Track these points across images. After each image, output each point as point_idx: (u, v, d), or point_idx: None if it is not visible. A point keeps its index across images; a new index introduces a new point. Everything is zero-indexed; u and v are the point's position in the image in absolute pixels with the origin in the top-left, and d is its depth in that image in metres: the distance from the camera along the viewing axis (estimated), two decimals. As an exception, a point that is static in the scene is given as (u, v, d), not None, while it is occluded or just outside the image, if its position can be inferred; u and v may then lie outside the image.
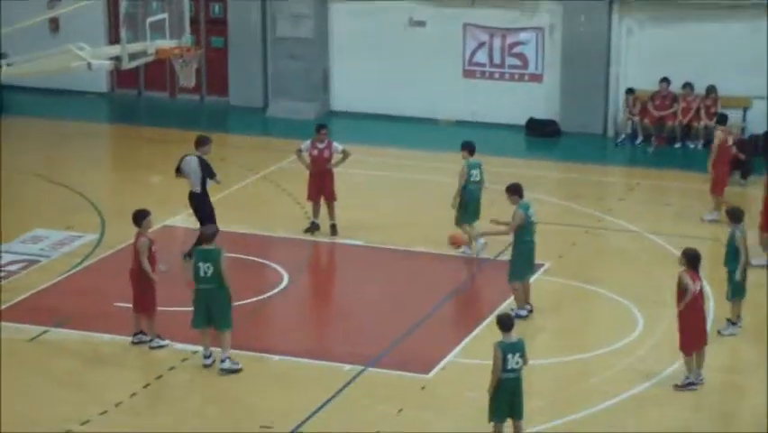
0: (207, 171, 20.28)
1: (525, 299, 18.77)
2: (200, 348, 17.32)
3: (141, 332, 17.82)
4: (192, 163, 20.29)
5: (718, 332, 18.12)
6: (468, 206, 20.97)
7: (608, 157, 27.44)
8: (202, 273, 16.85)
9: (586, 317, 19.18)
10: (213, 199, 23.32)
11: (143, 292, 17.63)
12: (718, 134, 22.82)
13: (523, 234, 18.50)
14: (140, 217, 17.76)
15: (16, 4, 29.89)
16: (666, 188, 23.64)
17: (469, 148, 21.19)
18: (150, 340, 17.77)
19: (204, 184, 20.26)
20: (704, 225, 22.40)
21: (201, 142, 20.55)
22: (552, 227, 22.30)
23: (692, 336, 16.52)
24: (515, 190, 18.59)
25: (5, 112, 30.15)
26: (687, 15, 27.36)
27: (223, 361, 17.02)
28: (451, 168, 25.23)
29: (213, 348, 17.13)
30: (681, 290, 16.41)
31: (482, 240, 20.86)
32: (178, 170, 20.54)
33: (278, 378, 17.02)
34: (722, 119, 23.52)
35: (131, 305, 17.87)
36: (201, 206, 20.34)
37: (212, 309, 16.93)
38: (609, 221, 22.97)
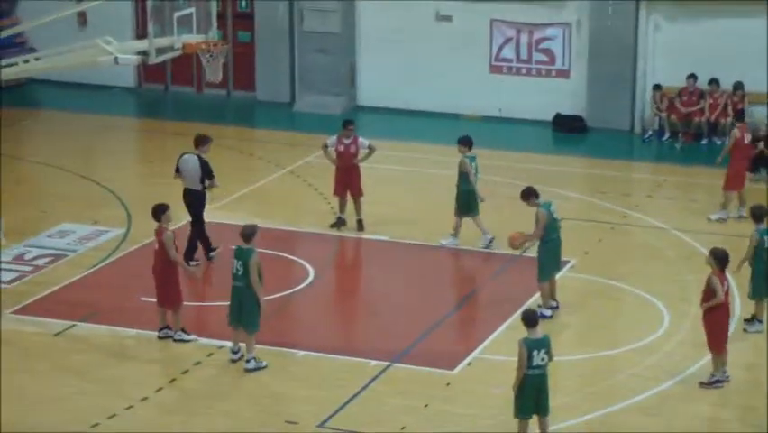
0: (206, 171, 20.17)
1: (551, 296, 18.73)
2: (228, 343, 17.36)
3: (167, 327, 17.87)
4: (191, 162, 20.19)
5: (744, 330, 18.05)
6: (473, 198, 20.99)
7: (634, 153, 27.36)
8: (235, 270, 16.93)
9: (612, 314, 19.14)
10: (240, 194, 23.50)
11: (168, 286, 17.67)
12: (734, 132, 22.67)
13: (548, 232, 18.47)
14: (159, 211, 17.78)
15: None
16: (693, 184, 23.56)
17: (468, 143, 21.17)
18: (167, 336, 17.80)
19: (203, 183, 20.19)
20: (731, 222, 22.27)
21: (201, 141, 20.44)
22: (578, 223, 22.27)
23: (720, 335, 16.47)
24: (529, 194, 18.56)
25: (33, 105, 30.29)
26: (714, 11, 27.22)
27: (248, 361, 17.05)
28: (478, 163, 25.26)
29: (241, 345, 17.16)
30: (710, 292, 16.34)
31: (489, 235, 20.85)
32: (178, 170, 20.36)
33: (304, 373, 17.04)
34: (740, 116, 23.38)
35: (153, 299, 17.93)
36: (196, 201, 20.26)
37: (241, 308, 16.97)
38: (636, 217, 22.90)
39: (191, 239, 20.25)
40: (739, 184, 22.51)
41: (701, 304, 16.47)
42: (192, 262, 19.81)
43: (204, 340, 17.82)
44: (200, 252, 20.36)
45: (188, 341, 17.75)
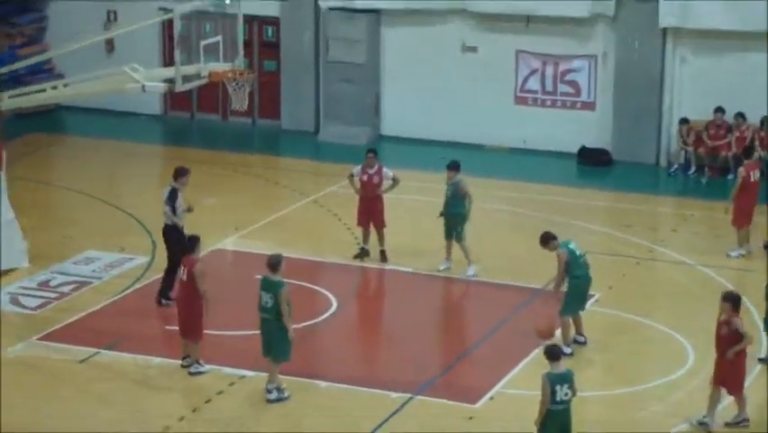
0: (169, 199, 19.70)
1: (577, 331, 18.67)
2: (248, 372, 17.35)
3: (189, 356, 17.86)
4: (164, 194, 19.88)
5: (759, 360, 17.91)
6: (465, 223, 21.18)
7: (660, 187, 27.28)
8: (263, 303, 16.87)
9: (636, 350, 19.04)
10: (264, 222, 23.50)
11: (192, 318, 17.64)
12: (740, 170, 22.54)
13: (573, 270, 18.41)
14: (192, 242, 17.79)
15: (73, 25, 30.18)
16: (719, 219, 23.43)
17: (457, 167, 21.19)
18: (189, 365, 17.79)
19: (173, 216, 19.71)
20: (758, 257, 22.19)
21: (178, 174, 19.95)
22: (602, 257, 22.18)
23: (743, 376, 16.33)
24: (547, 239, 18.54)
25: (61, 131, 30.43)
26: (740, 45, 27.18)
27: (269, 391, 17.03)
28: (502, 195, 25.32)
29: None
30: (735, 336, 16.07)
31: (474, 269, 21.11)
32: None
33: (326, 404, 17.02)
34: (747, 153, 23.30)
35: (173, 327, 17.95)
36: (166, 240, 19.85)
37: (268, 339, 16.94)
38: (661, 252, 22.82)
39: (165, 276, 19.79)
40: (746, 221, 22.42)
41: (725, 349, 16.13)
42: (164, 301, 19.67)
43: (226, 369, 17.81)
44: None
45: (204, 372, 17.73)
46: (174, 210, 19.68)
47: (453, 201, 21.25)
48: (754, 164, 22.85)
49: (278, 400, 16.94)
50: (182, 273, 17.72)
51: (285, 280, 16.91)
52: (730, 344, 16.12)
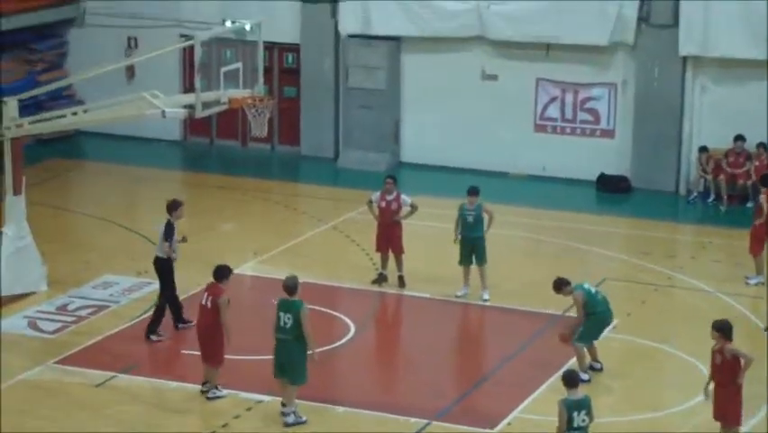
0: (166, 234, 19.57)
1: (593, 358, 18.61)
2: (266, 397, 17.32)
3: (217, 386, 17.84)
4: (161, 229, 19.72)
5: None
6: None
7: (679, 215, 27.22)
8: (281, 324, 16.85)
9: (654, 376, 18.97)
10: (283, 248, 23.52)
11: (214, 344, 17.60)
12: (762, 198, 22.44)
13: (592, 308, 18.39)
14: (223, 272, 17.75)
15: (93, 51, 30.34)
16: (738, 247, 23.35)
17: (478, 192, 21.42)
18: (208, 391, 17.76)
19: (168, 249, 19.60)
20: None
21: (173, 206, 19.78)
22: (621, 284, 22.15)
23: (740, 405, 15.93)
24: (560, 285, 18.48)
25: (80, 156, 30.54)
26: (761, 73, 27.13)
27: (287, 415, 17.01)
28: (522, 222, 25.31)
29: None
30: (734, 361, 15.68)
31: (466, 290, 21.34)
32: None
33: (343, 429, 16.98)
34: (765, 180, 23.19)
35: (197, 352, 17.89)
36: (161, 268, 19.70)
37: (285, 361, 16.91)
38: (680, 279, 22.75)
39: (157, 310, 19.74)
40: (760, 248, 22.35)
41: (717, 378, 15.79)
42: (153, 337, 19.55)
43: (243, 394, 17.80)
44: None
45: (222, 397, 17.71)
46: (171, 244, 19.59)
47: (477, 225, 21.23)
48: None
49: (296, 423, 16.90)
50: (206, 300, 17.64)
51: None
52: (726, 371, 15.72)
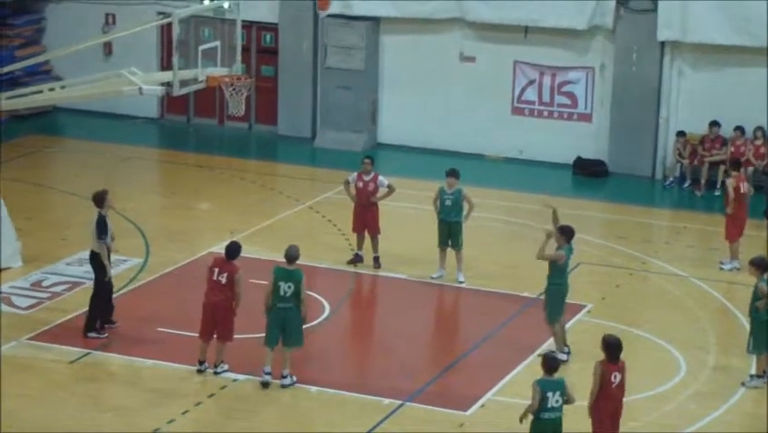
0: (99, 230, 18.84)
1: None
2: (240, 376, 17.33)
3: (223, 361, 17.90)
4: (93, 222, 19.02)
5: (742, 384, 17.89)
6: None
7: (655, 199, 27.31)
8: (282, 292, 17.14)
9: (628, 361, 18.82)
10: (259, 227, 23.49)
11: (229, 321, 17.68)
12: (729, 181, 22.62)
13: (556, 277, 18.41)
14: (236, 249, 17.77)
15: (71, 27, 30.21)
16: (713, 232, 23.47)
17: (458, 174, 21.37)
18: (216, 366, 17.80)
19: (99, 242, 18.86)
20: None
21: (101, 199, 19.10)
22: (596, 268, 22.23)
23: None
24: (567, 233, 18.47)
25: (57, 133, 30.42)
26: (739, 59, 27.22)
27: (284, 377, 17.34)
28: (498, 204, 25.34)
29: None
30: (597, 382, 15.03)
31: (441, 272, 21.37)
32: None
33: (317, 410, 17.01)
34: (735, 165, 23.28)
35: (170, 330, 18.02)
36: (95, 266, 18.93)
37: (286, 327, 17.20)
38: (654, 264, 22.83)
39: (92, 308, 19.03)
40: (738, 233, 22.44)
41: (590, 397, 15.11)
42: (91, 333, 18.87)
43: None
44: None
45: (227, 371, 17.81)
46: (103, 238, 18.86)
47: (455, 209, 21.24)
48: (742, 176, 22.88)
49: (293, 384, 17.35)
50: (219, 276, 17.58)
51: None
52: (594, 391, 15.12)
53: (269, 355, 17.39)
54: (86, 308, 19.09)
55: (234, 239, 18.22)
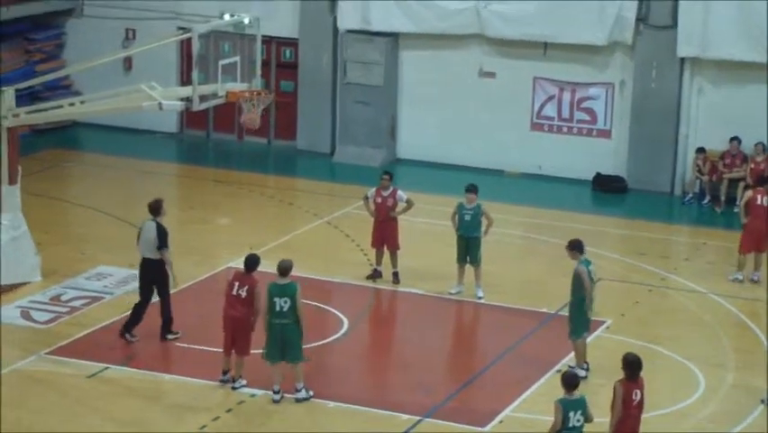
0: (162, 240, 19.07)
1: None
2: (258, 391, 17.31)
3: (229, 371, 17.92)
4: (150, 231, 19.19)
5: (762, 401, 17.79)
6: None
7: (674, 215, 27.24)
8: (278, 308, 17.00)
9: (647, 377, 18.87)
10: (278, 243, 23.52)
11: (248, 335, 17.69)
12: (748, 193, 22.66)
13: (580, 290, 18.34)
14: (254, 262, 17.79)
15: (91, 42, 30.31)
16: (732, 249, 23.37)
17: (477, 190, 21.36)
18: (234, 381, 17.82)
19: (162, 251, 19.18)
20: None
21: (158, 208, 19.38)
22: (615, 284, 22.17)
23: None
24: (576, 246, 18.45)
25: (77, 147, 30.51)
26: (758, 76, 27.14)
27: (299, 390, 17.26)
28: (517, 220, 25.32)
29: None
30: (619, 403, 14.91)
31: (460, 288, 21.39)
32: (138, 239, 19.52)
33: (334, 425, 16.98)
34: (760, 182, 23.28)
35: (188, 345, 18.02)
36: (159, 274, 19.20)
37: (285, 343, 17.09)
38: (673, 280, 22.76)
39: (163, 311, 19.38)
40: (752, 247, 22.39)
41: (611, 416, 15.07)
42: (170, 336, 19.39)
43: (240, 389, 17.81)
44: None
45: (245, 385, 17.81)
46: (166, 247, 19.10)
47: (474, 225, 21.21)
48: (764, 190, 22.80)
49: (307, 398, 17.25)
50: (239, 290, 17.59)
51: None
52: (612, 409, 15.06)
53: (275, 372, 17.31)
54: (128, 313, 19.44)
55: (253, 252, 18.20)
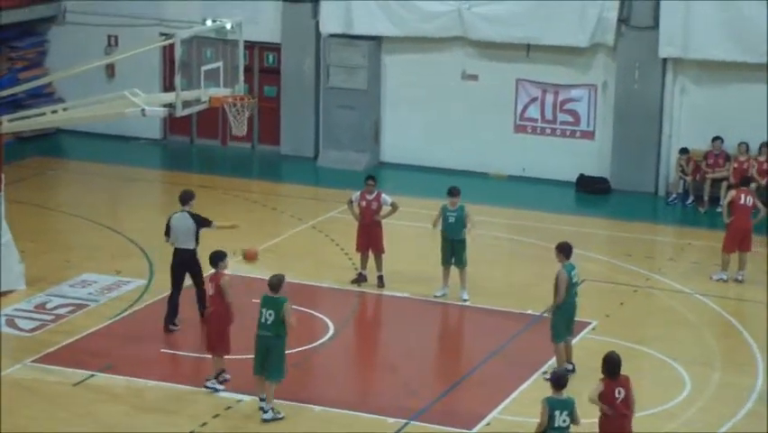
0: (202, 223, 19.72)
1: (567, 359, 18.63)
2: (245, 397, 17.29)
3: (224, 370, 17.92)
4: (185, 220, 19.66)
5: None
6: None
7: (658, 216, 27.30)
8: (263, 319, 16.99)
9: (632, 378, 18.92)
10: (262, 247, 23.52)
11: (223, 333, 17.78)
12: (731, 192, 22.77)
13: (564, 295, 18.37)
14: (217, 258, 17.89)
15: (74, 49, 30.29)
16: (716, 248, 23.43)
17: (459, 193, 21.35)
18: (208, 379, 17.83)
19: (197, 240, 19.77)
20: (757, 286, 22.22)
21: (189, 198, 19.88)
22: (600, 285, 22.21)
23: None
24: (564, 250, 18.47)
25: (60, 155, 30.47)
26: (740, 75, 27.24)
27: (265, 411, 17.05)
28: (501, 222, 25.34)
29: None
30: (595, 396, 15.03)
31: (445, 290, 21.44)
32: (168, 232, 19.85)
33: (320, 429, 16.97)
34: (744, 182, 23.39)
35: (174, 351, 17.96)
36: (193, 264, 19.75)
37: (265, 357, 17.01)
38: (658, 280, 22.82)
39: (200, 298, 19.79)
40: (734, 246, 22.49)
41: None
42: (173, 327, 19.78)
43: (223, 393, 17.77)
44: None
45: (218, 391, 17.75)
46: (210, 222, 19.89)
47: (458, 227, 21.23)
48: (747, 190, 22.88)
49: (274, 419, 16.94)
50: (210, 289, 17.87)
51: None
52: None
53: (258, 385, 17.24)
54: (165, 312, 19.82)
55: (216, 249, 18.16)
